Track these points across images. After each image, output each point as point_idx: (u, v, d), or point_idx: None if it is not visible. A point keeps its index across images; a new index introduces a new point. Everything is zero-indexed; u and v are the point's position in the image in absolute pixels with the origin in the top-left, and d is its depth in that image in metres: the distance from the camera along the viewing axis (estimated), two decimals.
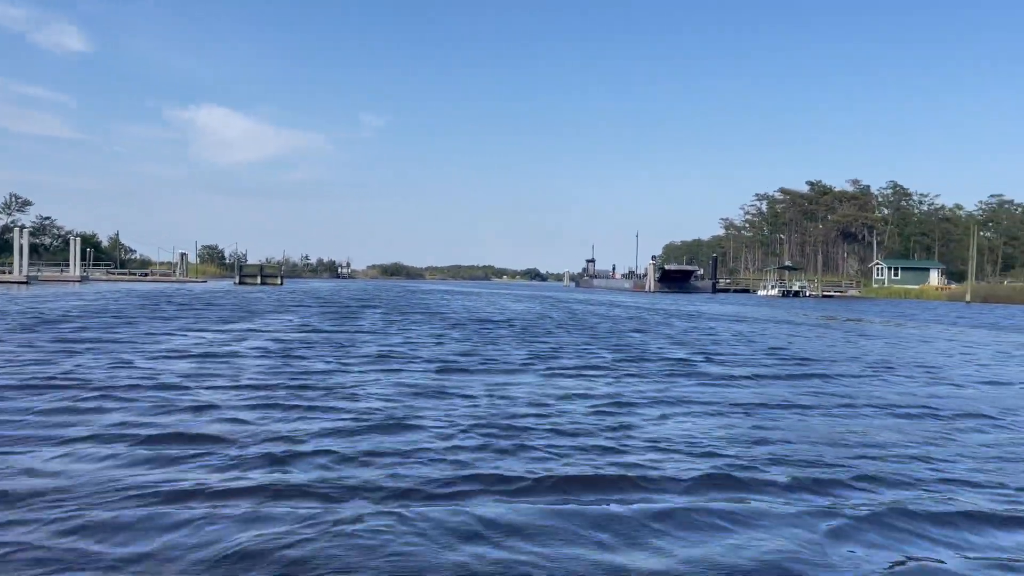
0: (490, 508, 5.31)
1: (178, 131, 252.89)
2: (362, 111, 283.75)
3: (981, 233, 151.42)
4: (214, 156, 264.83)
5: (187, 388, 9.89)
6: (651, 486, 5.91)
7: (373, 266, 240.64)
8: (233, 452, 6.62)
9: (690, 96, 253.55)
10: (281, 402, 9.06)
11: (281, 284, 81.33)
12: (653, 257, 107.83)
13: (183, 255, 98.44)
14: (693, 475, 6.19)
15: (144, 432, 7.27)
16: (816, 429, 8.30)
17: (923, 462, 6.91)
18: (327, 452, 6.67)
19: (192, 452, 6.60)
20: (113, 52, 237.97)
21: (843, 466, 6.65)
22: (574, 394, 10.22)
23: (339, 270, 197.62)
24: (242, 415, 8.26)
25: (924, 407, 9.95)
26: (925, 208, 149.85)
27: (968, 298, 61.13)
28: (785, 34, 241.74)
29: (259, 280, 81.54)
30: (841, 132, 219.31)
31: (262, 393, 9.63)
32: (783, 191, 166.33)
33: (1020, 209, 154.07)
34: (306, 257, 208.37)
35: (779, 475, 6.29)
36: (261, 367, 12.17)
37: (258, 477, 5.92)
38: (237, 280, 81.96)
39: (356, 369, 12.35)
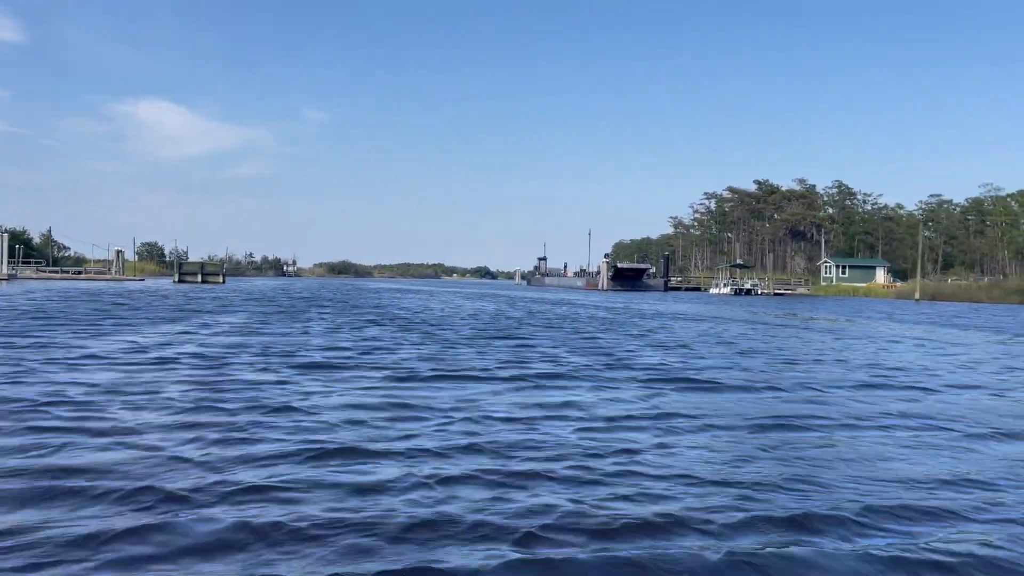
0: None
1: (117, 125, 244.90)
2: (305, 106, 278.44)
3: (925, 233, 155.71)
4: (155, 151, 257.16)
5: (91, 406, 8.16)
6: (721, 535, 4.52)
7: (320, 264, 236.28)
8: (124, 489, 5.02)
9: (641, 96, 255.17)
10: (206, 423, 7.44)
11: (223, 283, 78.30)
12: (606, 256, 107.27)
13: (119, 252, 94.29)
14: (738, 519, 4.83)
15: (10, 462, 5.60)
16: (889, 467, 7.03)
17: None
18: (254, 495, 5.11)
19: (74, 488, 4.97)
20: (49, 43, 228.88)
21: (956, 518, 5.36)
22: (556, 411, 8.79)
23: (285, 268, 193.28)
24: (151, 439, 6.64)
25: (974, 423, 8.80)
26: (869, 207, 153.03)
27: (917, 296, 61.83)
28: (735, 37, 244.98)
29: (200, 278, 78.38)
30: (789, 131, 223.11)
31: (184, 416, 7.95)
32: (731, 190, 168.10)
33: (958, 209, 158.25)
34: (251, 255, 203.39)
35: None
36: (187, 380, 10.45)
37: (150, 546, 4.34)
38: (176, 278, 78.67)
39: (302, 381, 10.72)
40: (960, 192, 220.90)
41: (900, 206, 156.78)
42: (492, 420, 8.07)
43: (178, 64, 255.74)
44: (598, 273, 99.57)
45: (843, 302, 58.93)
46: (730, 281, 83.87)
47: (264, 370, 11.65)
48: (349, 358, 13.49)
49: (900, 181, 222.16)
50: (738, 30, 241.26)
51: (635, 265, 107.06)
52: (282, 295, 47.81)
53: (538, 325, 24.53)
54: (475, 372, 12.04)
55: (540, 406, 9.04)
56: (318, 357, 13.55)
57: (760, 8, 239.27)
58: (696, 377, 12.04)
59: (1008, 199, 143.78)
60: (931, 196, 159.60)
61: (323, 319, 24.63)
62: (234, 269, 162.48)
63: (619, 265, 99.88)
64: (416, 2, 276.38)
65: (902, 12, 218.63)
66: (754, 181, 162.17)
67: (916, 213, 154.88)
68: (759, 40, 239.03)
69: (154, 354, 13.39)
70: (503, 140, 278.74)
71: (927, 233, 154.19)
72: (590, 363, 13.67)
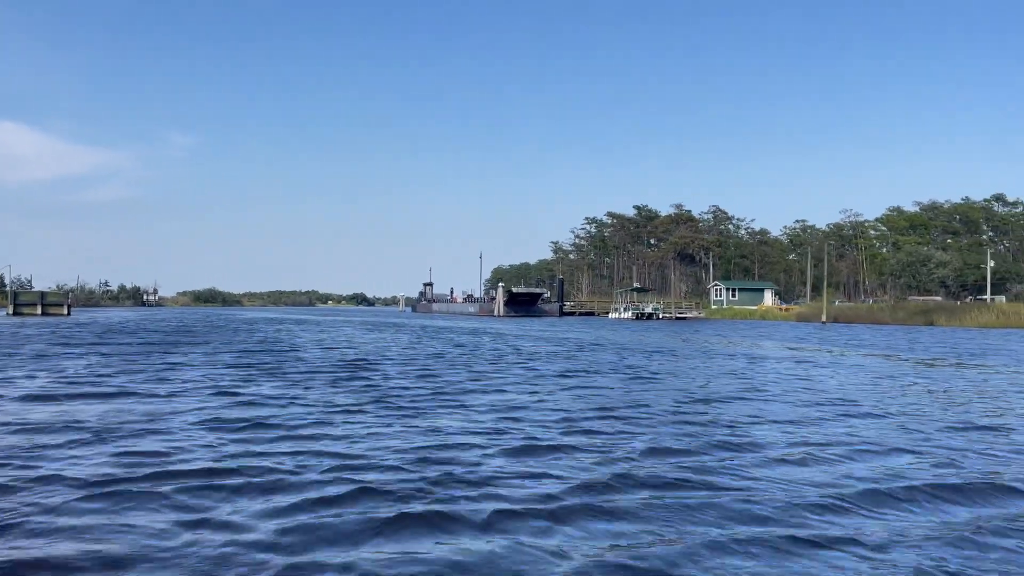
0: None
1: None
2: (170, 129, 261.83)
3: (790, 257, 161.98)
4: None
5: None
6: None
7: (184, 293, 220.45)
8: None
9: (524, 122, 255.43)
10: None
11: (68, 315, 68.41)
12: (493, 282, 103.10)
13: None
14: None
15: None
16: None
17: None
18: None
19: None
20: None
21: None
22: None
23: (145, 297, 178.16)
24: None
25: None
26: (743, 232, 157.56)
27: (824, 319, 61.26)
28: (615, 62, 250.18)
29: (40, 310, 68.14)
30: (666, 157, 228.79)
31: None
32: (611, 215, 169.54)
33: (821, 233, 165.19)
34: (106, 283, 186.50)
35: None
36: None
37: None
38: (11, 310, 68.07)
39: (169, 490, 5.64)
40: (822, 218, 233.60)
41: (766, 231, 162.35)
42: None
43: (30, 84, 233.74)
44: (493, 299, 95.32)
45: (751, 326, 57.35)
46: (630, 305, 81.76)
47: (103, 461, 6.40)
48: (277, 465, 7.44)
49: (767, 207, 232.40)
50: (614, 58, 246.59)
51: (530, 290, 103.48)
52: (143, 328, 40.43)
53: (473, 362, 19.77)
54: (479, 473, 7.28)
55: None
56: (204, 460, 7.51)
57: (634, 37, 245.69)
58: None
59: (866, 225, 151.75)
60: (796, 221, 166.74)
61: (195, 363, 18.86)
62: (87, 299, 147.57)
63: (514, 290, 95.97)
64: (288, 24, 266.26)
65: (768, 43, 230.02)
66: (633, 206, 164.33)
67: (781, 238, 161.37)
68: (635, 70, 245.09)
69: None
70: (378, 164, 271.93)
71: (792, 256, 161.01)
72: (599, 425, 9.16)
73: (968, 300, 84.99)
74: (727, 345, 30.88)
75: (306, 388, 13.38)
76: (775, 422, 10.07)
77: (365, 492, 6.20)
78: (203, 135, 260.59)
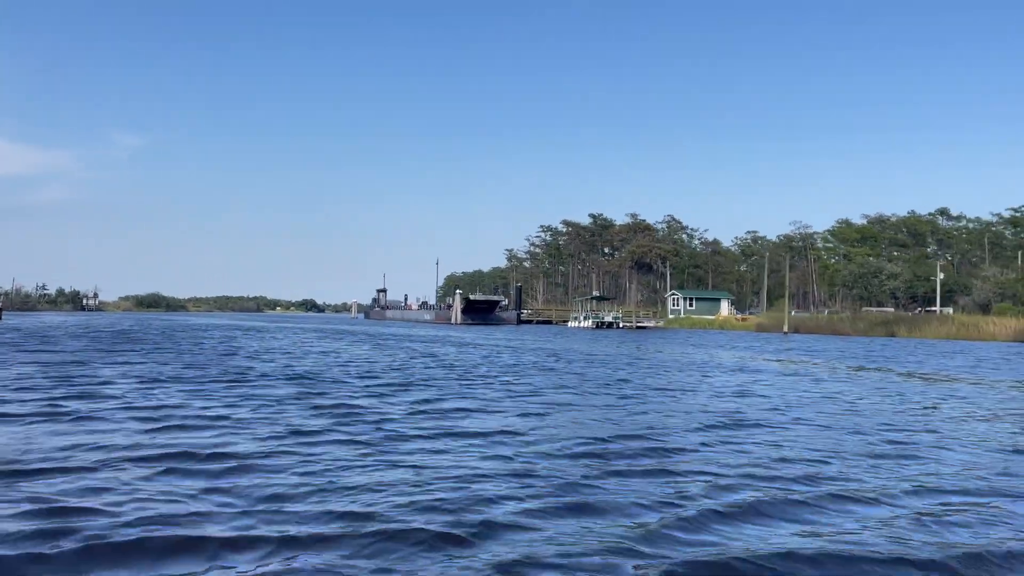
0: None
1: None
2: (115, 129, 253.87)
3: (740, 267, 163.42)
4: None
5: None
6: None
7: (127, 297, 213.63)
8: None
9: (478, 129, 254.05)
10: None
11: None
12: (458, 291, 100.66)
13: None
14: None
15: None
16: None
17: None
18: None
19: None
20: None
21: None
22: None
23: (84, 301, 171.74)
24: None
25: None
26: (696, 242, 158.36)
27: (786, 329, 60.84)
28: (562, 74, 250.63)
29: None
30: (619, 167, 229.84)
31: None
32: (566, 223, 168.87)
33: (771, 244, 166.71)
34: (43, 286, 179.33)
35: None
36: None
37: None
38: None
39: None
40: (773, 229, 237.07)
41: (718, 242, 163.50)
42: None
43: None
44: (450, 307, 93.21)
45: (716, 337, 56.66)
46: (590, 314, 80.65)
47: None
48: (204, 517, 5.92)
49: (718, 218, 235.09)
50: (572, 73, 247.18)
51: (488, 297, 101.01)
52: (82, 333, 37.63)
53: (470, 377, 18.14)
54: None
55: None
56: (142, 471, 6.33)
57: (589, 47, 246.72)
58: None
59: (815, 236, 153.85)
60: (747, 232, 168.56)
61: (133, 376, 16.83)
62: (22, 303, 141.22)
63: (471, 297, 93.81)
64: (239, 26, 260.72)
65: (724, 57, 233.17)
66: (589, 215, 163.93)
67: (732, 249, 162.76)
68: (585, 80, 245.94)
69: None
70: (329, 169, 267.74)
71: (742, 267, 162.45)
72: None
73: (918, 311, 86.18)
74: (709, 357, 29.77)
75: (277, 411, 11.60)
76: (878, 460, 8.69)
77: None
78: (149, 137, 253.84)
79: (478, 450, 8.33)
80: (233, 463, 7.31)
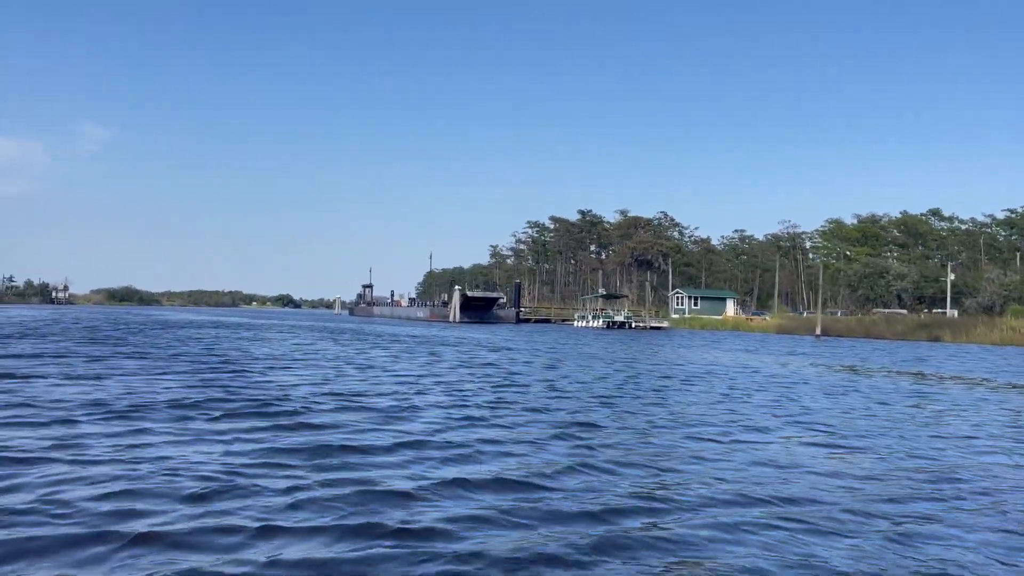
0: None
1: None
2: (85, 120, 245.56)
3: (731, 266, 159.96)
4: None
5: None
6: None
7: (98, 290, 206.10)
8: None
9: (462, 124, 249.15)
10: None
11: None
12: (457, 287, 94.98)
13: None
14: None
15: None
16: None
17: None
18: None
19: None
20: None
21: None
22: None
23: (54, 295, 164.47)
24: None
25: None
26: (688, 240, 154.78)
27: (818, 331, 56.67)
28: (556, 75, 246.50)
29: None
30: (611, 162, 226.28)
31: None
32: (553, 219, 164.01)
33: (758, 243, 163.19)
34: (10, 279, 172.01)
35: None
36: None
37: None
38: None
39: None
40: (760, 228, 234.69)
41: (708, 240, 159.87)
42: None
43: None
44: (446, 303, 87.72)
45: (736, 338, 52.67)
46: (600, 313, 76.01)
47: None
48: None
49: (706, 216, 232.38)
50: (561, 73, 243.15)
51: (486, 294, 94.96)
52: (47, 329, 32.61)
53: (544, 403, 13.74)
54: None
55: None
56: None
57: (580, 48, 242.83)
58: None
59: (804, 236, 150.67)
60: (735, 231, 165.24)
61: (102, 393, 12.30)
62: None
63: (469, 294, 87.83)
64: (213, 18, 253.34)
65: (712, 57, 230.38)
66: (578, 211, 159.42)
67: (719, 247, 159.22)
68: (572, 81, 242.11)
69: None
70: (308, 163, 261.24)
71: (732, 266, 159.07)
72: None
73: (926, 313, 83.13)
74: (788, 371, 25.69)
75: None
76: None
77: None
78: (119, 128, 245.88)
79: None
80: None
